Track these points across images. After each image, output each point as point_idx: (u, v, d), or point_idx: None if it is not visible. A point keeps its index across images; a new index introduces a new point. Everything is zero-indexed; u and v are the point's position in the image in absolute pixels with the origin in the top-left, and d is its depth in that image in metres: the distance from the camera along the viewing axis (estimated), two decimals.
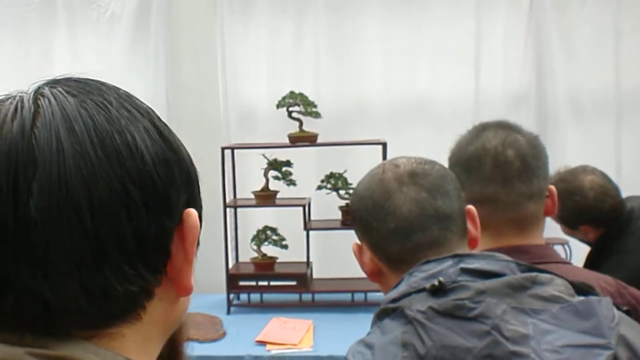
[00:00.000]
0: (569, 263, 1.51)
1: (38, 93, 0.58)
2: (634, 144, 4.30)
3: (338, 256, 3.58)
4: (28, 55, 4.39)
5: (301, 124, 3.84)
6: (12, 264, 0.52)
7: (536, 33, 4.27)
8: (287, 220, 3.99)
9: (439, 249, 1.13)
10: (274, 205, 3.90)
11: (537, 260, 1.39)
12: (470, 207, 1.22)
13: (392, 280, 1.16)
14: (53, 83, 0.60)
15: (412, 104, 4.38)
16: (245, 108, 4.42)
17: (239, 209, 4.10)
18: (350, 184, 3.88)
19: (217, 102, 4.39)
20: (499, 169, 1.42)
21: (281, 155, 3.91)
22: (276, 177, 3.88)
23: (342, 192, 3.87)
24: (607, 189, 2.43)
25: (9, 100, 0.58)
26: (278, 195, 3.91)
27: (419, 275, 1.05)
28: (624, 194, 2.59)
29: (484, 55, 4.28)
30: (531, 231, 1.44)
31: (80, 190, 0.53)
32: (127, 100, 0.62)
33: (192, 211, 0.62)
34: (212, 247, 3.96)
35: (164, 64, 4.37)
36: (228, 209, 3.84)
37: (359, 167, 4.13)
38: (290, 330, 3.43)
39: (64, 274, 0.53)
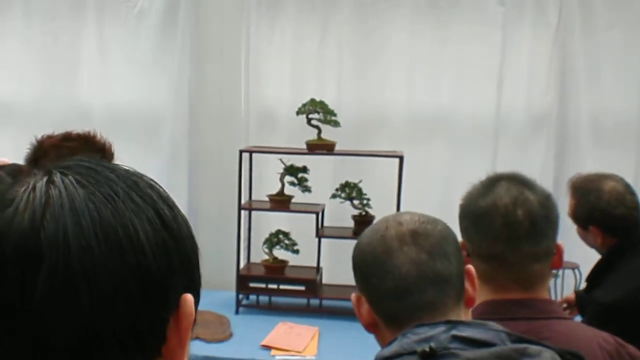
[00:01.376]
0: (570, 319, 1.51)
1: (50, 181, 0.60)
2: None
3: (348, 263, 3.58)
4: (56, 44, 4.44)
5: (320, 131, 3.85)
6: (15, 353, 0.56)
7: (562, 53, 4.25)
8: (300, 225, 4.00)
9: (434, 312, 1.15)
10: (288, 210, 3.92)
11: (540, 315, 1.39)
12: (470, 267, 1.23)
13: (387, 335, 1.18)
14: (65, 169, 0.62)
15: (432, 118, 4.37)
16: (266, 110, 4.44)
17: (253, 211, 4.11)
18: (365, 194, 3.89)
19: (238, 102, 4.42)
20: (507, 229, 1.42)
21: (298, 161, 3.92)
22: (292, 183, 3.89)
23: (356, 202, 3.87)
24: (625, 198, 2.45)
25: (23, 188, 0.59)
26: (293, 200, 3.92)
27: (412, 338, 1.07)
28: None
29: (508, 73, 4.27)
30: (535, 288, 1.44)
31: (82, 284, 0.56)
32: (133, 189, 0.63)
33: (189, 298, 0.64)
34: (225, 246, 3.98)
35: (189, 61, 4.41)
36: (243, 211, 3.86)
37: (374, 177, 4.15)
38: (296, 336, 3.44)
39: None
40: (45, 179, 0.60)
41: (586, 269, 4.05)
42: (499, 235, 1.43)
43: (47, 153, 1.73)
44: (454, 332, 1.05)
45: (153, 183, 0.67)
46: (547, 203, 1.46)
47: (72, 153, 1.71)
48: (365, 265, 1.24)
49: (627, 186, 2.51)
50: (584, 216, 2.47)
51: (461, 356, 1.01)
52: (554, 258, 1.47)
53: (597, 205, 2.42)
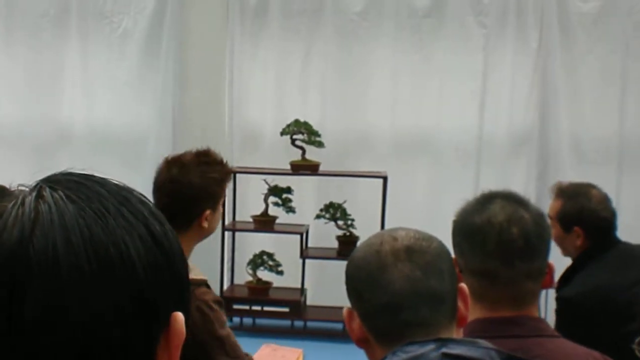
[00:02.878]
0: (560, 337, 1.52)
1: (39, 196, 0.59)
2: (634, 191, 4.31)
3: (333, 284, 3.58)
4: (40, 67, 4.42)
5: (304, 152, 3.86)
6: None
7: (543, 74, 4.31)
8: (284, 246, 3.99)
9: (427, 330, 1.13)
10: (272, 230, 3.91)
11: (530, 333, 1.40)
12: (463, 286, 1.23)
13: (378, 352, 1.17)
14: (54, 183, 0.60)
15: (415, 139, 4.40)
16: (250, 130, 4.45)
17: (237, 232, 4.10)
18: (349, 215, 3.89)
19: (222, 123, 4.42)
20: (502, 246, 1.42)
21: (282, 181, 3.93)
22: (276, 203, 3.89)
23: (340, 222, 3.87)
24: (608, 204, 2.61)
25: (12, 203, 0.58)
26: (277, 221, 3.91)
27: (401, 356, 1.05)
28: (623, 239, 2.69)
29: (490, 95, 4.32)
30: (526, 306, 1.45)
31: (72, 302, 0.55)
32: (124, 205, 0.62)
33: (179, 316, 0.63)
34: (208, 269, 3.94)
35: (173, 81, 4.41)
36: (226, 232, 3.85)
37: (358, 198, 4.16)
38: (280, 358, 3.41)
39: None
40: (34, 194, 0.59)
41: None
42: (493, 252, 1.43)
43: (190, 170, 1.87)
44: (444, 349, 1.04)
45: (143, 199, 0.65)
46: (541, 222, 1.47)
47: (210, 169, 1.89)
48: (359, 279, 1.21)
49: (606, 195, 2.65)
50: (573, 216, 2.54)
51: None
52: (545, 277, 1.48)
53: (587, 206, 2.53)
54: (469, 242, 1.46)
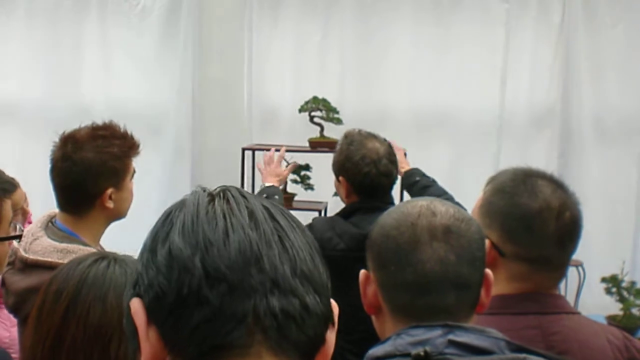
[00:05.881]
0: (578, 313, 1.50)
1: (233, 197, 0.71)
2: None
3: None
4: (58, 44, 4.44)
5: (322, 129, 3.84)
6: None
7: (565, 51, 4.24)
8: (303, 222, 3.99)
9: (449, 316, 1.08)
10: (291, 208, 3.90)
11: (550, 309, 1.38)
12: (489, 273, 1.18)
13: (389, 323, 1.14)
14: (227, 190, 0.72)
15: (435, 116, 4.37)
16: (269, 108, 4.44)
17: None
18: None
19: (241, 100, 4.41)
20: (559, 231, 1.39)
21: (301, 158, 3.92)
22: (294, 181, 3.89)
23: None
24: (384, 161, 2.36)
25: (217, 202, 0.69)
26: (296, 198, 3.91)
27: (406, 339, 1.03)
28: None
29: (511, 71, 4.26)
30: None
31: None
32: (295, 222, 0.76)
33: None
34: None
35: (192, 59, 4.41)
36: None
37: None
38: None
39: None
40: (227, 195, 0.70)
41: (589, 266, 4.07)
42: (552, 237, 1.40)
43: (83, 145, 1.72)
44: (451, 336, 1.01)
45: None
46: (579, 206, 1.46)
47: (107, 142, 1.73)
48: (387, 249, 1.14)
49: (390, 152, 2.46)
50: (335, 165, 2.47)
51: None
52: None
53: (349, 155, 2.40)
54: (526, 228, 1.39)
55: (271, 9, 4.36)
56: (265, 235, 0.67)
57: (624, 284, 3.99)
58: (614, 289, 3.98)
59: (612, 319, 3.99)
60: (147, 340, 0.65)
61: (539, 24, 4.25)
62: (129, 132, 1.81)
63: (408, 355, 1.00)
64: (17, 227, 1.57)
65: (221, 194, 0.70)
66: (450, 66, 4.28)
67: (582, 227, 1.43)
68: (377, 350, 1.05)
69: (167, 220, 0.69)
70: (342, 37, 4.33)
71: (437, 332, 1.02)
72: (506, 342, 1.01)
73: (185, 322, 0.63)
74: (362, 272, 1.19)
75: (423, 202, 1.18)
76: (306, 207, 3.89)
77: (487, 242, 1.23)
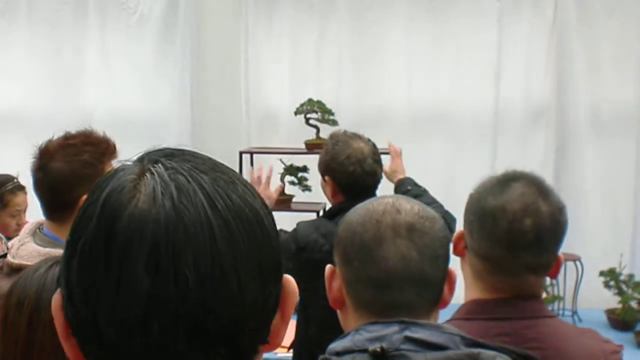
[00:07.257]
0: (555, 317, 1.49)
1: (166, 168, 0.60)
2: None
3: None
4: (59, 52, 4.51)
5: (318, 130, 3.87)
6: (171, 331, 0.56)
7: (559, 46, 4.25)
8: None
9: (409, 313, 1.09)
10: (290, 209, 3.93)
11: (525, 315, 1.36)
12: (452, 271, 1.18)
13: (351, 318, 1.16)
14: (167, 157, 0.61)
15: (431, 114, 4.39)
16: (266, 111, 4.47)
17: None
18: None
19: (239, 104, 4.45)
20: (510, 236, 1.33)
21: (298, 160, 3.94)
22: (292, 182, 3.91)
23: None
24: (369, 161, 2.37)
25: (143, 181, 0.59)
26: (294, 200, 3.94)
27: (364, 335, 1.04)
28: None
29: (506, 67, 4.28)
30: (526, 295, 1.41)
31: (227, 265, 0.58)
32: (237, 175, 0.64)
33: (290, 278, 0.66)
34: None
35: (190, 65, 4.45)
36: None
37: None
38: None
39: (214, 342, 0.58)
40: (163, 170, 0.59)
41: (587, 260, 4.08)
42: (501, 240, 1.37)
43: (54, 155, 1.75)
44: (407, 333, 1.02)
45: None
46: (558, 216, 1.38)
47: (77, 150, 1.74)
48: (351, 245, 1.15)
49: (374, 150, 2.47)
50: (321, 166, 2.45)
51: (412, 358, 0.99)
52: (550, 269, 1.43)
53: (333, 154, 2.38)
54: (479, 224, 1.38)
55: (267, 13, 4.41)
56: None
57: (622, 277, 4.01)
58: (612, 283, 4.00)
59: (611, 313, 4.01)
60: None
61: (532, 17, 4.26)
62: (106, 137, 1.80)
63: (365, 351, 1.01)
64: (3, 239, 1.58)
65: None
66: (445, 64, 4.30)
67: (553, 239, 1.38)
68: (336, 346, 1.06)
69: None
70: (338, 38, 4.35)
71: (394, 328, 1.04)
72: (461, 338, 1.03)
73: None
74: (329, 266, 1.20)
75: (389, 199, 1.19)
76: (304, 208, 3.91)
77: (458, 232, 1.27)
